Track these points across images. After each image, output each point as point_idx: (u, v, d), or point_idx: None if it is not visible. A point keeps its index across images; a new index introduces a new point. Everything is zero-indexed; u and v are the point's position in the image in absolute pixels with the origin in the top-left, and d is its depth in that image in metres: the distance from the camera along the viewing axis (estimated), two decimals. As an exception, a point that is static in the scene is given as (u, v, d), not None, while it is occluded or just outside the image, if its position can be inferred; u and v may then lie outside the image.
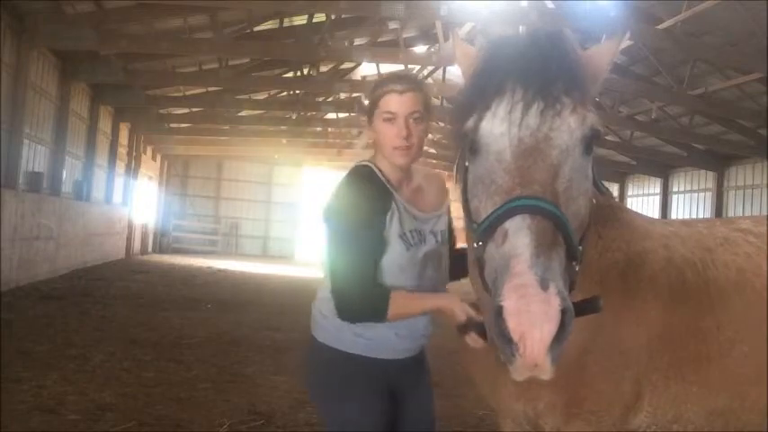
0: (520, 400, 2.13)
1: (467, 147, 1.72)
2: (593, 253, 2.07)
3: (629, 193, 28.95)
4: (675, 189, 26.01)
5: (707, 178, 23.81)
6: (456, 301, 2.13)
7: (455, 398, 6.11)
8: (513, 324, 1.33)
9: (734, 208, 22.41)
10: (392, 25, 17.65)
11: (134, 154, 23.48)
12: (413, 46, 19.36)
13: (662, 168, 25.78)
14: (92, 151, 18.25)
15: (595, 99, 1.80)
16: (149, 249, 26.70)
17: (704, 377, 2.10)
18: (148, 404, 5.44)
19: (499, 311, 1.35)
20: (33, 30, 12.63)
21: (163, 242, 28.68)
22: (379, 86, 2.38)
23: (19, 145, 12.67)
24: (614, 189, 28.46)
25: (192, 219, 30.32)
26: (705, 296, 2.13)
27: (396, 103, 2.30)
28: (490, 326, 1.40)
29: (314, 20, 16.82)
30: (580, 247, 1.57)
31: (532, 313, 1.31)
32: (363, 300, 2.22)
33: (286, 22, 17.54)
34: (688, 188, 25.26)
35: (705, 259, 2.19)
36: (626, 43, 14.19)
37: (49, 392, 5.50)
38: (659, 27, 12.77)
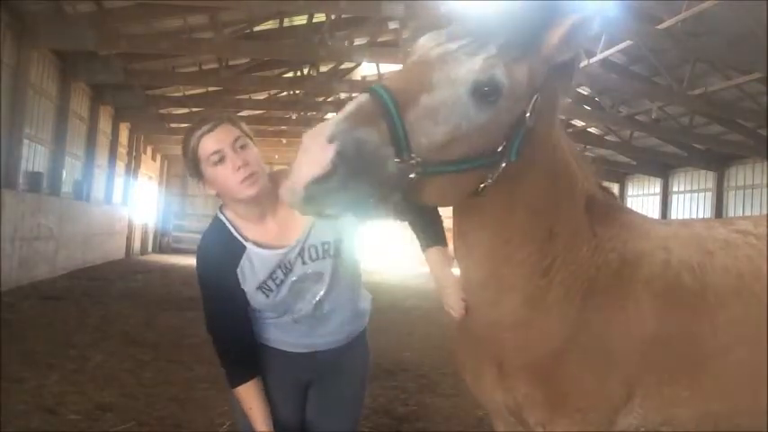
0: (498, 391, 2.14)
1: None
2: (584, 250, 2.07)
3: (629, 193, 28.96)
4: (675, 189, 26.01)
5: (707, 178, 23.81)
6: None
7: (455, 398, 6.11)
8: (298, 157, 1.59)
9: (734, 208, 22.42)
10: (392, 25, 17.65)
11: (134, 154, 23.49)
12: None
13: (662, 168, 25.79)
14: (92, 151, 18.25)
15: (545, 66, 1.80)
16: (149, 249, 26.69)
17: (698, 381, 2.08)
18: (148, 404, 5.44)
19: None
20: (33, 30, 12.63)
21: (163, 242, 28.65)
22: (189, 139, 2.29)
23: (19, 145, 12.67)
24: (614, 189, 28.49)
25: (192, 219, 30.29)
26: (702, 300, 2.10)
27: (213, 141, 2.24)
28: None
29: (314, 20, 16.81)
30: (418, 158, 1.65)
31: (308, 151, 1.55)
32: (226, 363, 2.42)
33: (286, 22, 17.53)
34: (688, 188, 25.26)
35: (704, 263, 2.17)
36: (626, 43, 14.21)
37: (49, 392, 5.50)
38: (659, 27, 12.77)
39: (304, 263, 2.37)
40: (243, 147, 2.27)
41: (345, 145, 1.55)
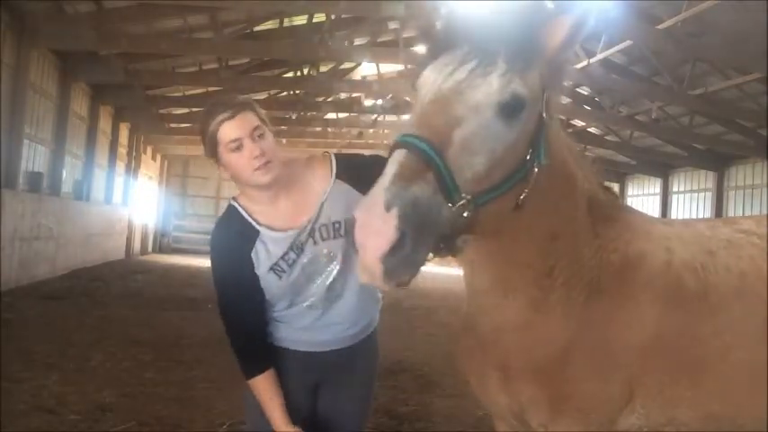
0: (503, 394, 2.15)
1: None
2: (586, 251, 2.07)
3: (629, 193, 28.96)
4: (675, 189, 26.01)
5: (707, 178, 23.81)
6: None
7: (455, 398, 6.11)
8: (356, 235, 1.54)
9: (734, 208, 22.41)
10: (392, 25, 17.65)
11: (134, 154, 23.48)
12: (413, 46, 19.36)
13: (662, 168, 25.79)
14: (92, 151, 18.25)
15: (553, 72, 1.83)
16: (149, 249, 26.67)
17: (700, 382, 2.08)
18: (148, 404, 5.44)
19: (353, 222, 1.57)
20: (33, 30, 12.63)
21: (163, 242, 28.65)
22: (209, 122, 2.33)
23: (19, 145, 12.66)
24: (614, 189, 28.46)
25: (192, 219, 30.32)
26: (704, 301, 2.10)
27: (233, 128, 2.29)
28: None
29: (314, 20, 16.82)
30: (467, 196, 1.64)
31: (371, 227, 1.51)
32: (240, 352, 2.45)
33: (286, 22, 17.53)
34: (688, 188, 25.26)
35: (706, 263, 2.16)
36: (626, 43, 14.21)
37: (49, 392, 5.50)
38: (659, 27, 12.77)
39: (315, 243, 2.41)
40: (261, 135, 2.33)
41: (404, 207, 1.52)
